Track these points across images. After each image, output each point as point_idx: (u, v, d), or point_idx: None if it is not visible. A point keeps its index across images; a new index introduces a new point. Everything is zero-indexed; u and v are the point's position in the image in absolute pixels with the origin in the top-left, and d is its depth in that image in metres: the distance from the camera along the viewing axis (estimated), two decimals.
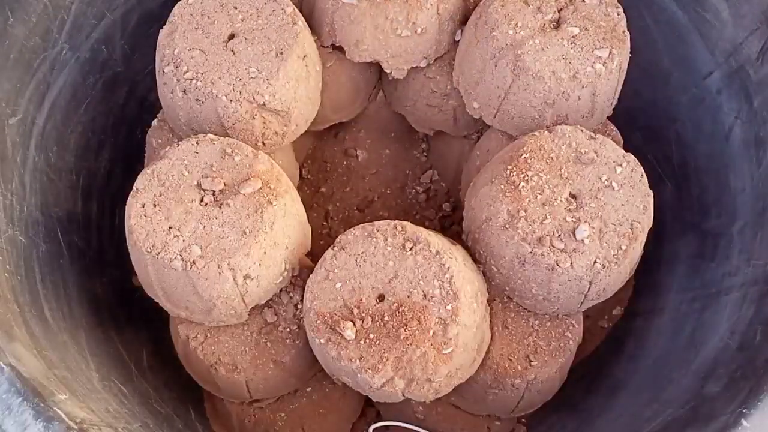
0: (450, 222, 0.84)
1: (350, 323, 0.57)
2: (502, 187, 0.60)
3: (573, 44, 0.63)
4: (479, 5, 0.68)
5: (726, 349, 0.61)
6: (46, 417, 0.47)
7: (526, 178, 0.60)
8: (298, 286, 0.64)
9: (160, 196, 0.58)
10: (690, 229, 0.74)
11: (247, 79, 0.62)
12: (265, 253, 0.58)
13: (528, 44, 0.63)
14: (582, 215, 0.59)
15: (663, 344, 0.71)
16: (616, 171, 0.61)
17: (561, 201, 0.60)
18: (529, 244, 0.58)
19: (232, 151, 0.60)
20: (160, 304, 0.62)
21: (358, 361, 0.56)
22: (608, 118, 0.70)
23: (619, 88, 0.67)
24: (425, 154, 0.88)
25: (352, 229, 0.61)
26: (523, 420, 0.75)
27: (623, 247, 0.58)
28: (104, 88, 0.75)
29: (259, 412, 0.71)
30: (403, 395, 0.58)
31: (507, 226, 0.59)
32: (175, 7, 0.65)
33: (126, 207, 0.58)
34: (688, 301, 0.71)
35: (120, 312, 0.74)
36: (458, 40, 0.70)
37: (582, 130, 0.63)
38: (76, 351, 0.62)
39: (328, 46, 0.71)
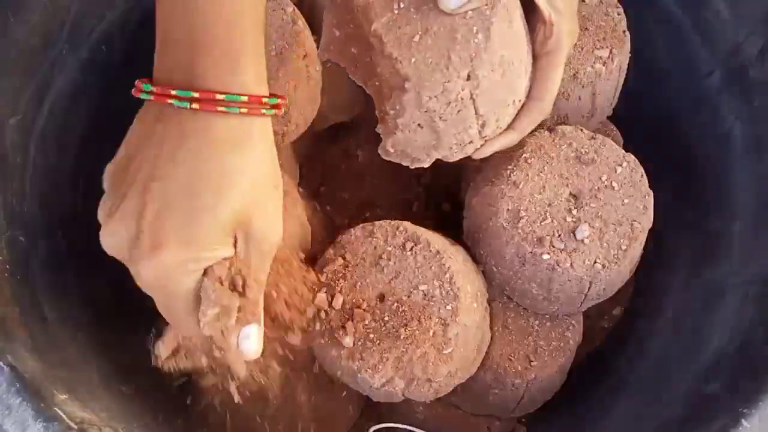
0: (450, 222, 0.84)
1: (350, 323, 0.57)
2: (503, 187, 0.60)
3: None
4: None
5: (726, 349, 0.61)
6: (46, 417, 0.47)
7: (527, 177, 0.60)
8: None
9: None
10: (690, 229, 0.74)
11: None
12: None
13: None
14: (582, 215, 0.59)
15: (663, 344, 0.71)
16: (616, 171, 0.61)
17: (561, 201, 0.60)
18: (529, 244, 0.58)
19: None
20: None
21: (358, 361, 0.56)
22: (608, 118, 0.70)
23: (619, 88, 0.67)
24: None
25: (352, 229, 0.61)
26: (523, 420, 0.75)
27: (623, 247, 0.58)
28: (104, 88, 0.75)
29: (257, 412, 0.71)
30: (403, 395, 0.58)
31: (507, 226, 0.59)
32: None
33: None
34: (688, 301, 0.71)
35: (120, 312, 0.74)
36: None
37: (582, 130, 0.63)
38: (76, 351, 0.62)
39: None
